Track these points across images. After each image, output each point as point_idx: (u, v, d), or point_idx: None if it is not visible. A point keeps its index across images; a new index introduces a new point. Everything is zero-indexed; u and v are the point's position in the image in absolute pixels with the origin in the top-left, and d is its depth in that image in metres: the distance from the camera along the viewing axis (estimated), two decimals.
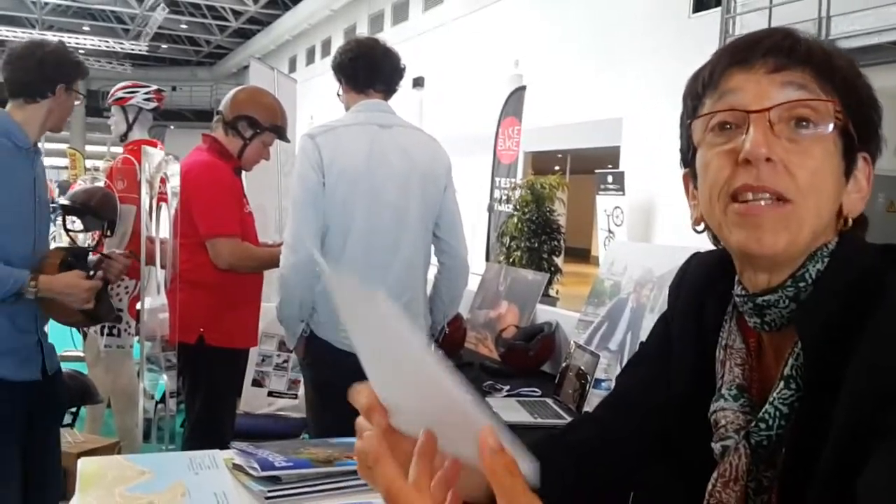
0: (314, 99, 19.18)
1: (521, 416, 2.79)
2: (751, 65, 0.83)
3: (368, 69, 2.74)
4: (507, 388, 3.18)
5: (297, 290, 2.59)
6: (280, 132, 3.22)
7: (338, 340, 2.62)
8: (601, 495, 1.01)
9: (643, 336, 3.08)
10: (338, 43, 2.93)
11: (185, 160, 3.10)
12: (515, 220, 9.68)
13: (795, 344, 0.82)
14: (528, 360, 3.52)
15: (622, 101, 12.04)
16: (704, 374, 0.93)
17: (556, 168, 16.88)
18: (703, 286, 0.98)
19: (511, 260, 9.41)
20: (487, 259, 9.39)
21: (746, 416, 0.86)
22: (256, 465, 1.08)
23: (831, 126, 0.81)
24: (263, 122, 3.14)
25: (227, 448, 3.16)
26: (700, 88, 0.88)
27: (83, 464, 1.05)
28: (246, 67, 31.09)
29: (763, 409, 0.83)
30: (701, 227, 0.92)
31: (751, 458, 0.84)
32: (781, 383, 0.82)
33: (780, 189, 0.79)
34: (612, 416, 1.05)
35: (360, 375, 2.58)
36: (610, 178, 11.05)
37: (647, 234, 11.01)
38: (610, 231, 10.94)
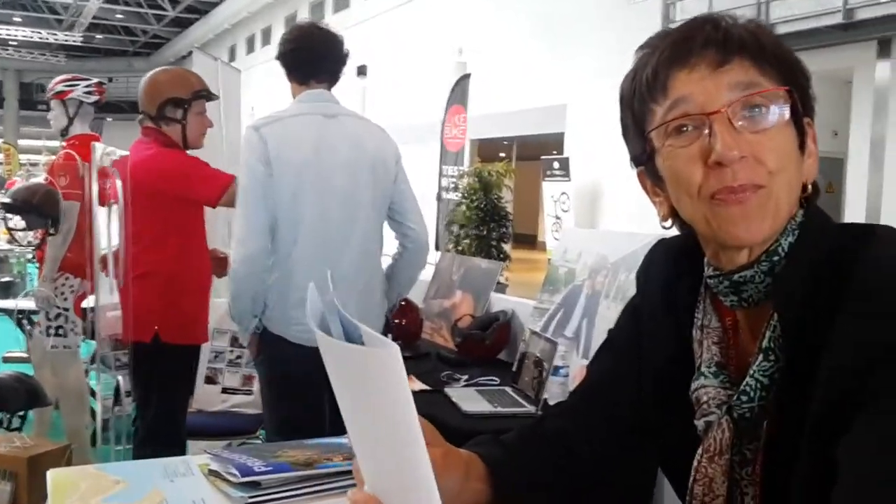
0: (255, 89, 18.93)
1: (481, 405, 2.80)
2: (692, 64, 0.84)
3: (309, 60, 2.71)
4: (465, 377, 3.19)
5: (249, 284, 2.57)
6: (205, 94, 3.17)
7: (291, 335, 2.60)
8: (582, 485, 1.02)
9: (599, 322, 3.11)
10: (278, 31, 2.89)
11: (136, 158, 3.02)
12: (464, 208, 9.70)
13: (771, 317, 0.85)
14: (485, 348, 3.54)
15: (566, 88, 12.13)
16: (680, 355, 0.95)
17: (502, 155, 16.95)
18: (672, 270, 1.00)
19: (460, 248, 9.44)
20: (437, 248, 9.40)
21: (727, 391, 0.88)
22: (235, 471, 1.05)
23: (788, 111, 0.84)
24: (186, 96, 3.09)
25: (184, 446, 3.13)
26: (645, 91, 0.88)
27: (53, 475, 1.02)
28: (184, 57, 30.57)
29: (744, 382, 0.86)
30: (668, 223, 0.94)
31: (734, 431, 0.86)
32: (760, 356, 0.85)
33: (756, 181, 0.82)
34: (586, 406, 1.06)
35: (314, 369, 2.56)
36: (556, 165, 11.14)
37: (594, 219, 11.14)
38: (557, 217, 11.03)
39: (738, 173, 0.81)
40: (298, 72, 2.72)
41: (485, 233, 9.69)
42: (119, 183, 2.90)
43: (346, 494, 1.14)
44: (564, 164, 10.98)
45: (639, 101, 0.89)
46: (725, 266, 0.88)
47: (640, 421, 1.01)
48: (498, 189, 9.92)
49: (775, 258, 0.84)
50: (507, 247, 10.13)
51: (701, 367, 0.91)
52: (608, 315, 3.04)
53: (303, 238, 2.59)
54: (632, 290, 3.36)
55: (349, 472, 1.13)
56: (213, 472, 1.08)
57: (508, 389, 3.01)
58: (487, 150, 16.27)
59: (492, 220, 9.75)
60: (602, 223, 10.99)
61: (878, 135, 7.75)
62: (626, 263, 3.07)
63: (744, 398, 0.85)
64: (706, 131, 0.83)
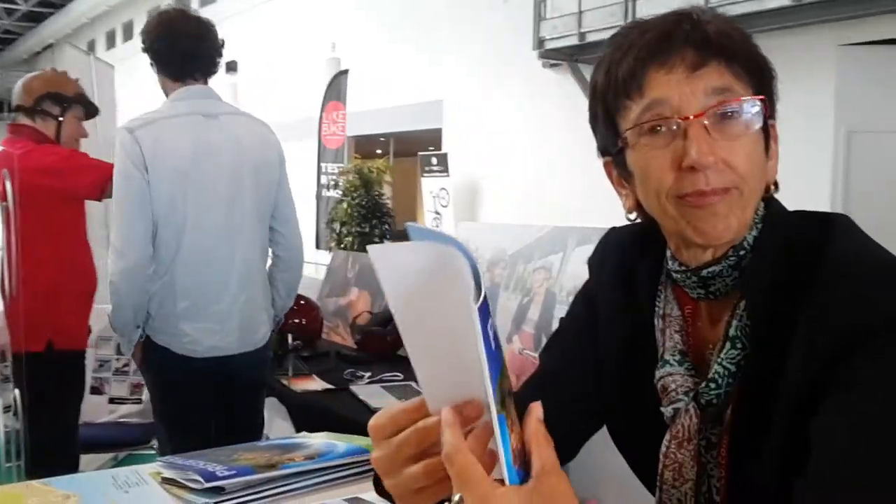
0: (117, 87, 18.17)
1: (389, 401, 2.80)
2: (670, 65, 0.86)
3: (184, 54, 2.56)
4: (369, 374, 3.18)
5: (131, 296, 2.45)
6: (84, 101, 3.05)
7: (177, 346, 2.52)
8: None
9: (500, 314, 3.16)
10: (141, 26, 2.74)
11: (21, 162, 2.85)
12: (345, 205, 9.63)
13: (736, 306, 0.88)
14: (386, 345, 3.54)
15: (441, 84, 12.19)
16: (640, 341, 0.97)
17: (380, 151, 16.92)
18: (629, 259, 1.02)
19: (343, 245, 9.37)
20: (318, 246, 9.30)
21: (693, 378, 0.91)
22: (198, 477, 1.01)
23: (760, 120, 0.87)
24: (67, 94, 2.96)
25: (78, 458, 2.98)
26: (621, 87, 0.89)
27: None
28: (38, 53, 28.95)
29: (712, 370, 0.89)
30: (633, 214, 0.96)
31: (700, 417, 0.89)
32: (728, 344, 0.88)
33: (726, 185, 0.85)
34: (541, 396, 1.05)
35: (202, 377, 2.50)
36: (434, 160, 11.19)
37: (474, 213, 11.25)
38: (437, 212, 11.08)
39: (711, 178, 0.84)
40: (172, 68, 2.56)
41: (367, 230, 9.65)
42: (8, 184, 2.72)
43: (308, 493, 1.13)
44: (443, 160, 11.04)
45: (613, 95, 0.90)
46: (690, 262, 0.91)
47: (595, 408, 1.03)
48: (379, 186, 9.90)
49: (741, 252, 0.88)
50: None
51: (665, 354, 0.94)
52: (509, 306, 3.10)
53: (186, 246, 2.48)
54: (530, 281, 3.41)
55: (312, 471, 1.12)
56: (167, 480, 1.04)
57: (414, 384, 3.02)
58: (365, 146, 16.16)
59: (373, 217, 9.72)
60: (482, 217, 11.12)
61: None
62: (524, 255, 3.13)
63: (712, 385, 0.88)
64: (681, 135, 0.85)
